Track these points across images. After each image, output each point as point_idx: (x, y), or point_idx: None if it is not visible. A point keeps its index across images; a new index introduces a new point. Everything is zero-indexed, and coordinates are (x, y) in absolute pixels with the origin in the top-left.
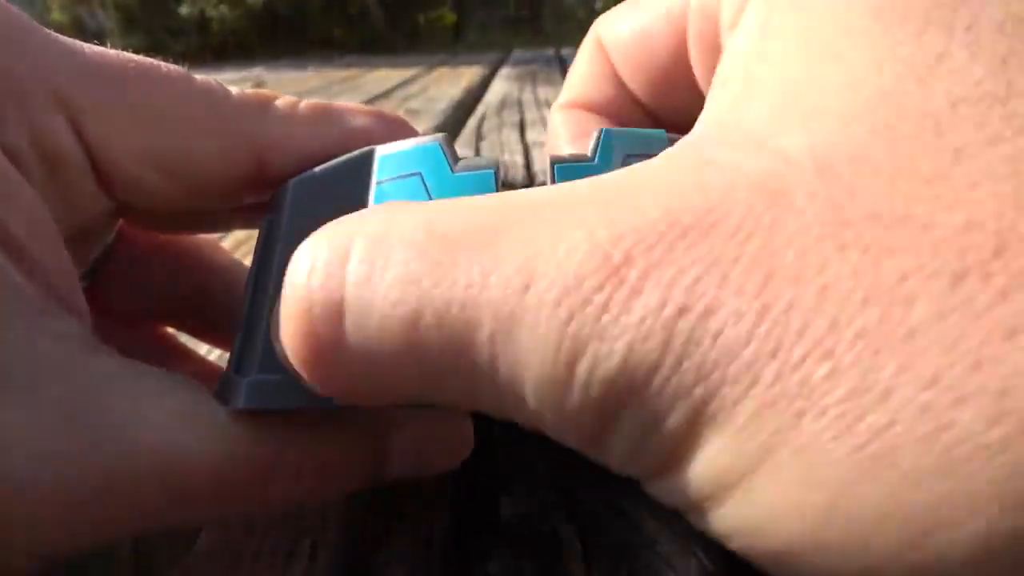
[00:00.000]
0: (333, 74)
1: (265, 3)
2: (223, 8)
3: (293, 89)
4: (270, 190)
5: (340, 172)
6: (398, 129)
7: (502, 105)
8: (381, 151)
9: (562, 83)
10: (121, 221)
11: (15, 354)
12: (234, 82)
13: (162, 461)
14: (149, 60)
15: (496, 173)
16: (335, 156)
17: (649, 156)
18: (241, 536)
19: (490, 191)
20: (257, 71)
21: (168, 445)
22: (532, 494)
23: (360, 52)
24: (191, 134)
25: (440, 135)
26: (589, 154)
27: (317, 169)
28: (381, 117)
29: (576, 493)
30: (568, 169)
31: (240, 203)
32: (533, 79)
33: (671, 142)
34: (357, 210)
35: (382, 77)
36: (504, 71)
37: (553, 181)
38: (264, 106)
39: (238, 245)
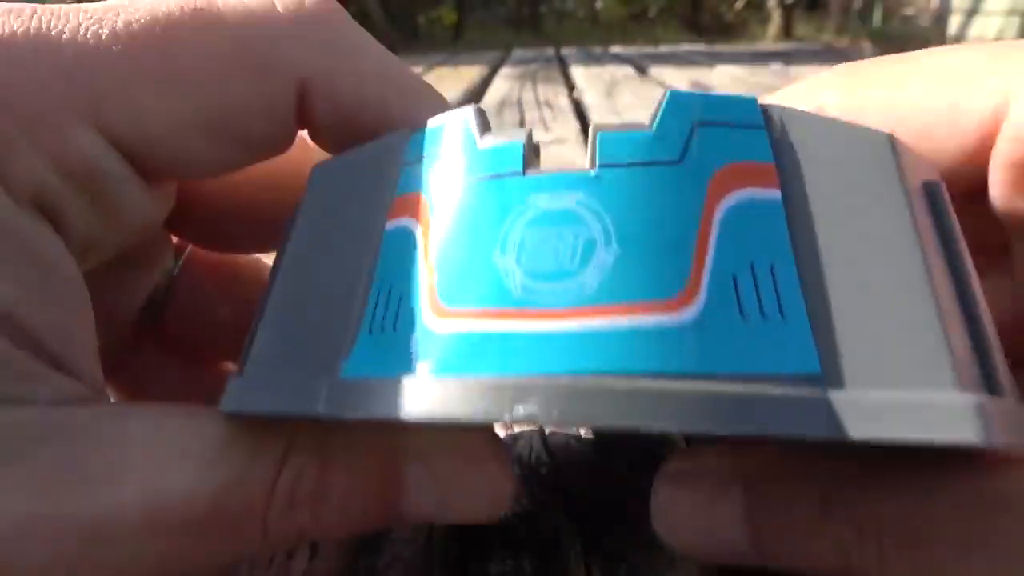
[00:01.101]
0: None
1: None
2: None
3: None
4: (317, 131)
5: (366, 157)
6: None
7: (502, 105)
8: (412, 132)
9: (562, 83)
10: (186, 251)
11: None
12: None
13: (154, 508)
14: (159, 3)
15: (526, 144)
16: (385, 105)
17: (728, 124)
18: None
19: (517, 166)
20: None
21: (159, 492)
22: (532, 494)
23: None
24: (224, 77)
25: (471, 106)
26: (648, 121)
27: (342, 154)
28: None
29: (576, 493)
30: (613, 139)
31: (288, 149)
32: (533, 79)
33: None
34: (380, 196)
35: None
36: (504, 71)
37: (594, 151)
38: (308, 25)
39: None
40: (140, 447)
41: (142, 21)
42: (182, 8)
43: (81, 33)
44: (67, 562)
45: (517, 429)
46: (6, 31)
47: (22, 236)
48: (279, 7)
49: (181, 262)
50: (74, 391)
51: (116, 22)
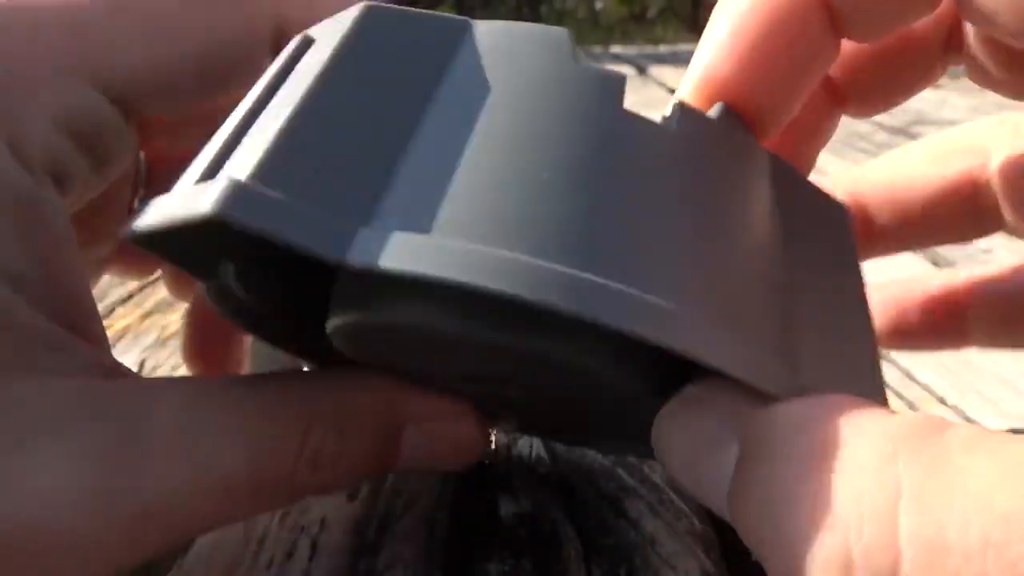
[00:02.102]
0: None
1: None
2: None
3: None
4: None
5: (426, 19)
6: None
7: None
8: (482, 23)
9: None
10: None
11: (34, 402)
12: None
13: (199, 484)
14: None
15: (623, 79)
16: None
17: None
18: (241, 536)
19: (617, 103)
20: None
21: (203, 468)
22: (532, 494)
23: None
24: (207, 18)
25: (564, 29)
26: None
27: (398, 9)
28: None
29: (576, 493)
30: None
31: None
32: None
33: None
34: (435, 62)
35: None
36: None
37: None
38: None
39: None
40: (177, 427)
41: None
42: None
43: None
44: (122, 535)
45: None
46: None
47: (34, 203)
48: None
49: (145, 163)
50: (98, 361)
51: None
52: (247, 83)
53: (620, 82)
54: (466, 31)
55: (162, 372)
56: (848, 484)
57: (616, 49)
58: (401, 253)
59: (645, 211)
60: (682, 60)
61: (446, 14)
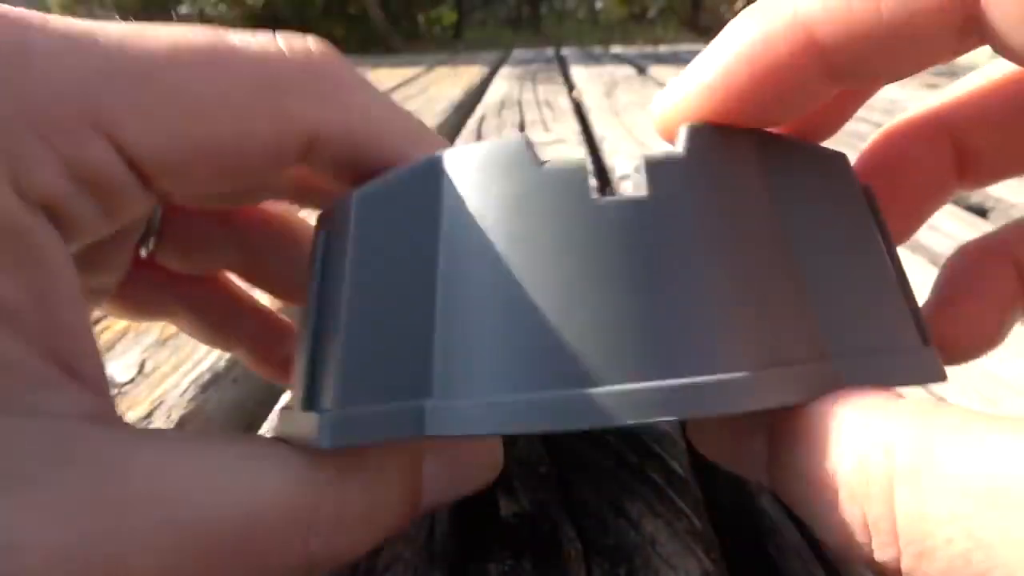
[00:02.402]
0: None
1: (265, 3)
2: (222, 8)
3: None
4: (314, 165)
5: (406, 182)
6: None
7: (502, 105)
8: (450, 153)
9: (562, 83)
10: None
11: (6, 446)
12: None
13: (185, 533)
14: (179, 34)
15: (585, 169)
16: (387, 147)
17: None
18: None
19: (586, 194)
20: None
21: (192, 518)
22: (532, 494)
23: (360, 52)
24: (240, 120)
25: (521, 134)
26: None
27: (380, 180)
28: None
29: (576, 493)
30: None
31: (286, 176)
32: (533, 79)
33: None
34: (427, 224)
35: (382, 76)
36: (504, 71)
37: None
38: (317, 78)
39: None
40: (163, 473)
41: (163, 48)
42: (201, 43)
43: (101, 49)
44: None
45: None
46: (27, 40)
47: (33, 241)
48: (288, 54)
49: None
50: (87, 403)
51: (138, 44)
52: (273, 181)
53: (581, 171)
54: (440, 174)
55: (162, 372)
56: (857, 466)
57: (616, 49)
58: (456, 419)
59: (668, 286)
60: (682, 60)
61: (416, 164)
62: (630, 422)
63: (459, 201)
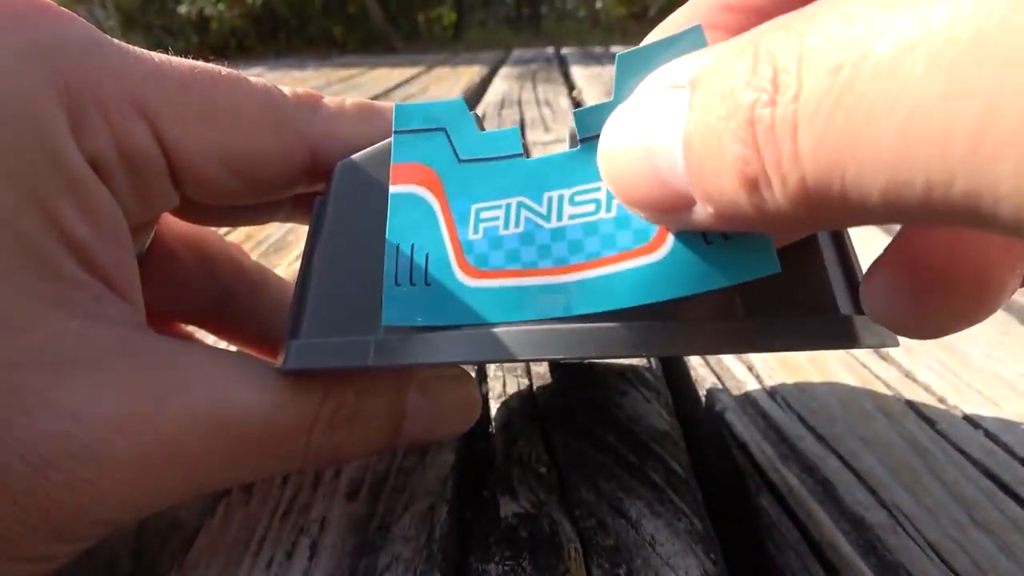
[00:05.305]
0: (333, 73)
1: (265, 2)
2: (221, 7)
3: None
4: (321, 180)
5: (379, 155)
6: None
7: (502, 105)
8: (400, 105)
9: (562, 83)
10: (162, 218)
11: (76, 339)
12: None
13: (220, 416)
14: (209, 64)
15: (520, 131)
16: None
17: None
18: (241, 536)
19: (517, 150)
20: (258, 70)
21: (224, 402)
22: (532, 494)
23: (360, 51)
24: (255, 131)
25: (459, 98)
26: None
27: (360, 153)
28: None
29: (576, 493)
30: (585, 112)
31: (294, 192)
32: (533, 79)
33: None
34: (387, 188)
35: (382, 76)
36: (504, 71)
37: (575, 131)
38: (315, 105)
39: (247, 238)
40: (203, 370)
41: (195, 68)
42: (218, 69)
43: (152, 59)
44: (147, 459)
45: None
46: (100, 39)
47: (92, 189)
48: (277, 87)
49: (150, 239)
50: (137, 317)
51: (176, 62)
52: (282, 187)
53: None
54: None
55: None
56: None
57: (616, 49)
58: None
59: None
60: None
61: (387, 141)
62: (536, 357)
63: (404, 143)
